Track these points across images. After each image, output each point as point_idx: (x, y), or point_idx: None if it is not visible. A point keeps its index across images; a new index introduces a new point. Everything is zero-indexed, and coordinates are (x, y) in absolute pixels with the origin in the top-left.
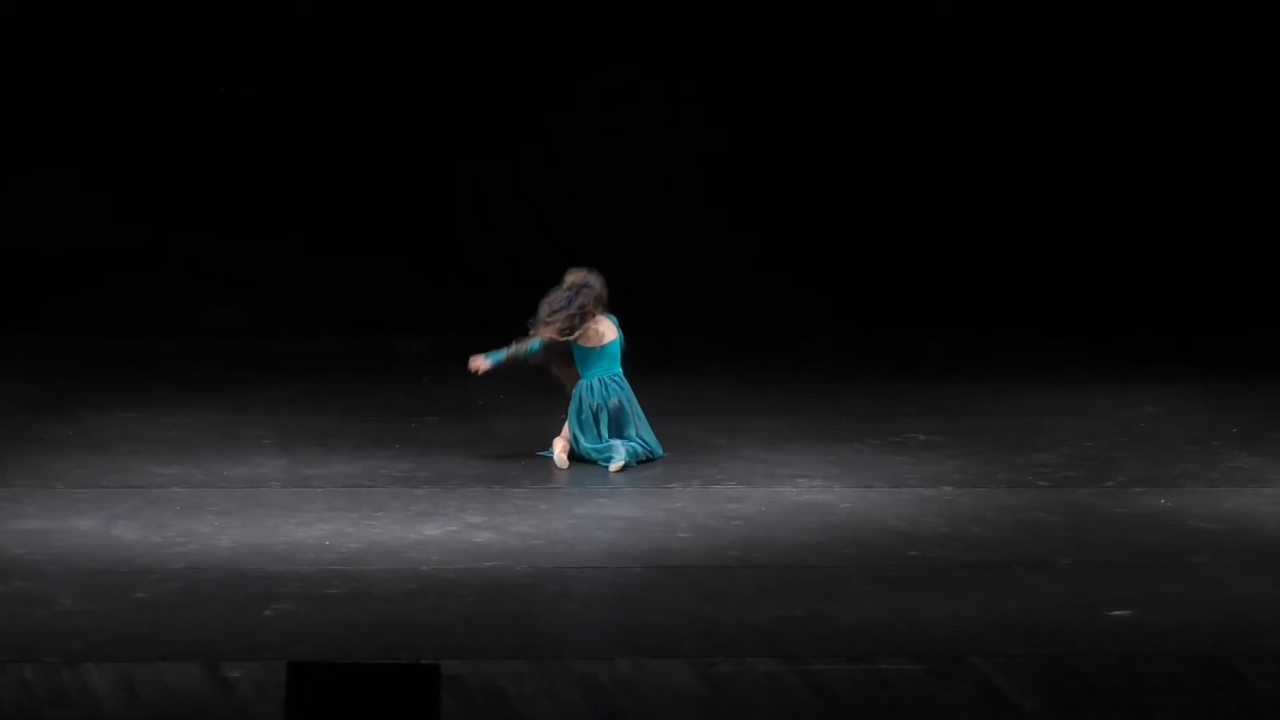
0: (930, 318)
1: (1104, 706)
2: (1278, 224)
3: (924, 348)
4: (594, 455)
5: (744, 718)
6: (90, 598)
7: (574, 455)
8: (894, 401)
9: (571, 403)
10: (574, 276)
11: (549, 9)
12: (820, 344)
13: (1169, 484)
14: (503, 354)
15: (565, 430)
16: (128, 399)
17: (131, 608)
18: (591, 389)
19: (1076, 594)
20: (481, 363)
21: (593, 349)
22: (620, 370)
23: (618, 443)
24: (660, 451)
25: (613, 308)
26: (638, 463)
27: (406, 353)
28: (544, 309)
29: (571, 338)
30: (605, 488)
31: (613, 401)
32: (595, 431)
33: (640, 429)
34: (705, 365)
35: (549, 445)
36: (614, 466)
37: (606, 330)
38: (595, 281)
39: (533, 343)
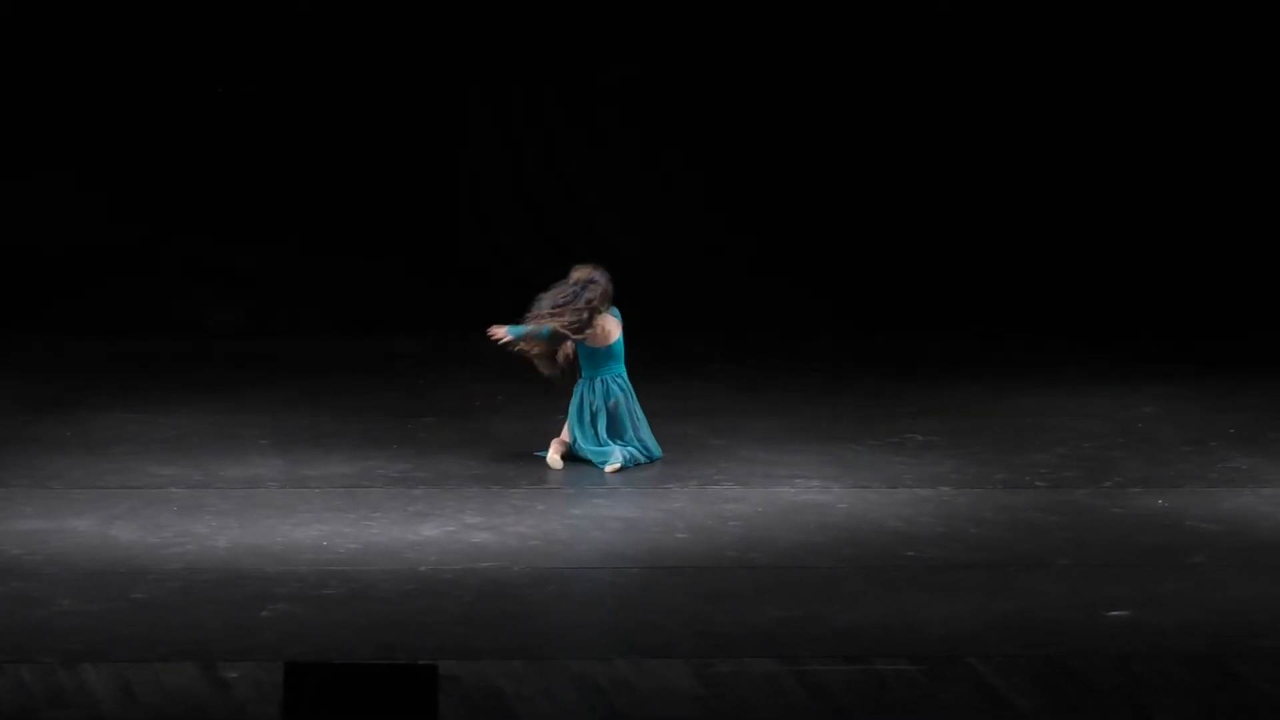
0: (930, 318)
1: (1102, 707)
2: (1278, 224)
3: (924, 348)
4: (591, 457)
5: (741, 718)
6: (88, 598)
7: (569, 456)
8: (893, 402)
9: (573, 401)
10: (580, 273)
11: (549, 9)
12: (820, 344)
13: (1167, 484)
14: (522, 329)
15: (565, 432)
16: (126, 399)
17: (129, 608)
18: (594, 388)
19: (1074, 594)
20: (501, 332)
21: (598, 348)
22: (624, 370)
23: (615, 447)
24: (659, 454)
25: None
26: (634, 465)
27: (405, 353)
28: (546, 301)
29: (581, 336)
30: (603, 488)
31: (612, 402)
32: (593, 432)
33: (640, 431)
34: (705, 365)
35: (547, 446)
36: (611, 467)
37: (612, 328)
38: (601, 278)
39: (545, 327)
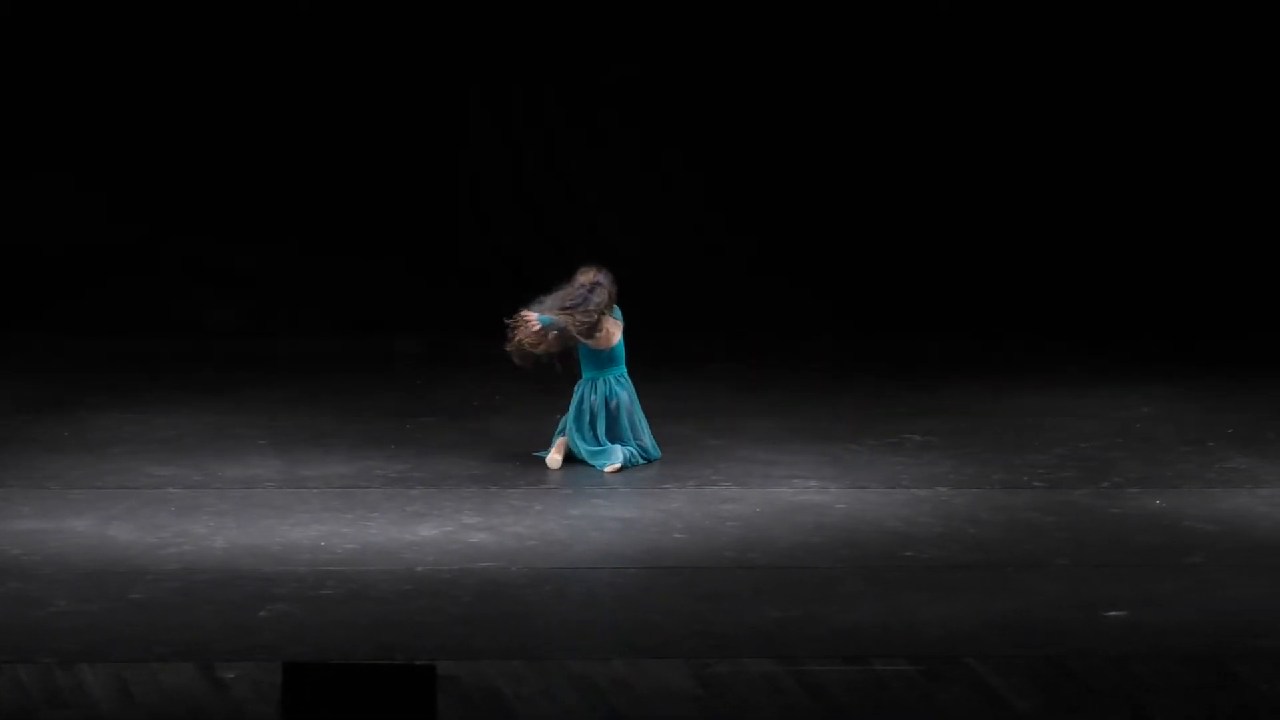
0: (930, 318)
1: (1101, 707)
2: (1278, 224)
3: (924, 348)
4: (588, 458)
5: (740, 718)
6: (86, 598)
7: (568, 458)
8: (893, 402)
9: (572, 401)
10: (586, 276)
11: (549, 9)
12: (820, 344)
13: (1165, 484)
14: (550, 319)
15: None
16: (125, 399)
17: (127, 608)
18: (595, 387)
19: (1073, 594)
20: (532, 318)
21: (600, 350)
22: (625, 370)
23: (615, 447)
24: (658, 455)
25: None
26: (633, 466)
27: (404, 353)
28: (554, 301)
29: (589, 340)
30: (601, 489)
31: (613, 402)
32: (592, 434)
33: (640, 432)
34: (705, 365)
35: (546, 446)
36: (610, 468)
37: (614, 330)
38: (606, 281)
39: (561, 322)
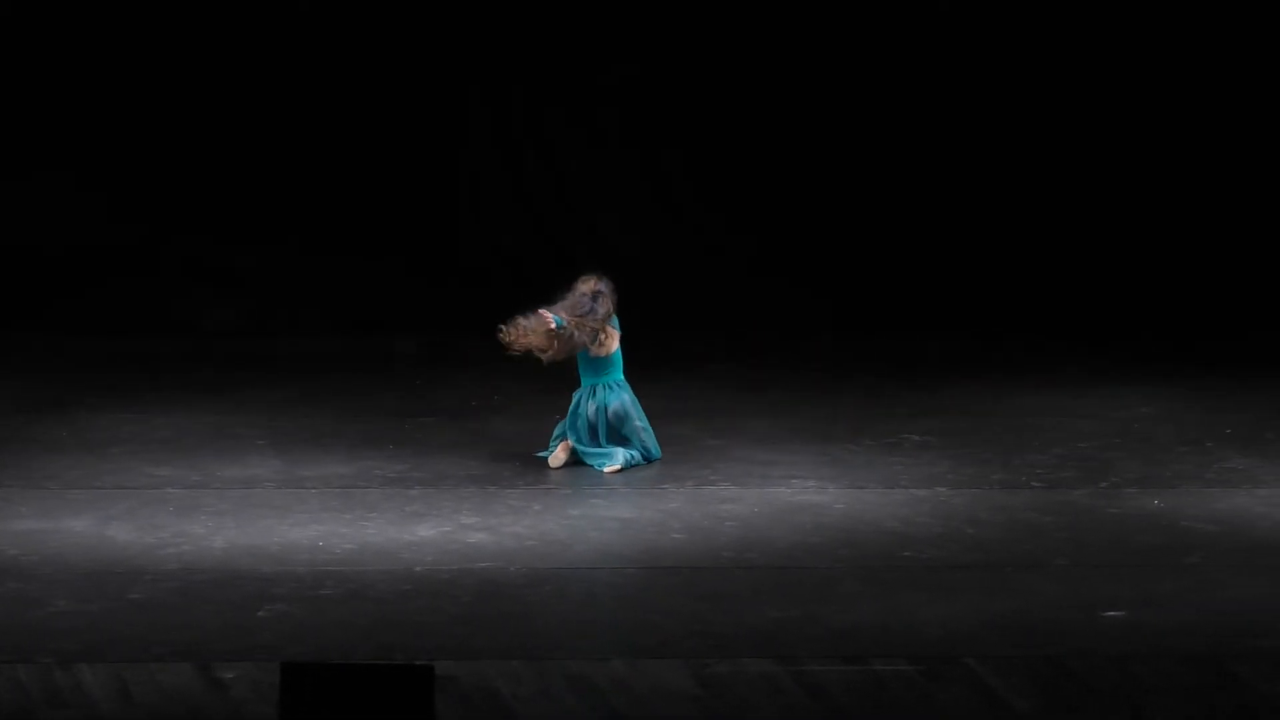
0: (930, 318)
1: (1100, 707)
2: (1278, 224)
3: (924, 348)
4: (588, 459)
5: (739, 718)
6: (85, 598)
7: (572, 459)
8: (893, 402)
9: (571, 406)
10: (587, 284)
11: (549, 9)
12: (820, 344)
13: (1164, 485)
14: (563, 320)
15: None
16: (125, 399)
17: (126, 608)
18: (594, 393)
19: (1072, 594)
20: (549, 317)
21: (598, 356)
22: (621, 376)
23: (616, 449)
24: (659, 455)
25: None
26: (633, 466)
27: (404, 354)
28: (559, 309)
29: (595, 350)
30: (600, 489)
31: (614, 406)
32: (592, 439)
33: (643, 436)
34: (705, 365)
35: (546, 446)
36: (610, 468)
37: (612, 337)
38: (608, 289)
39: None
